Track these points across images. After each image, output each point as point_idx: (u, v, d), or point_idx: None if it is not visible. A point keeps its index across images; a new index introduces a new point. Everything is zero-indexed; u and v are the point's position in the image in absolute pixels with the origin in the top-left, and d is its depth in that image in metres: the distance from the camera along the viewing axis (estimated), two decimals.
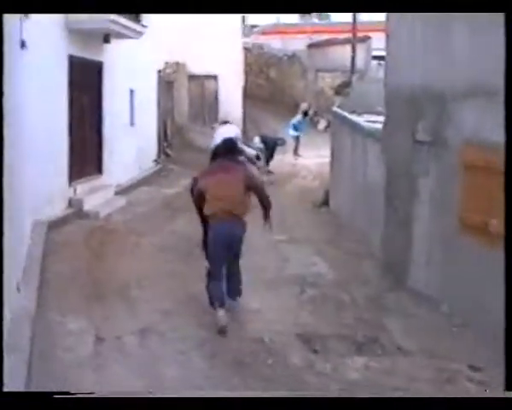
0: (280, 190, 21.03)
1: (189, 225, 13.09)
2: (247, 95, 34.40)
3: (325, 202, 17.66)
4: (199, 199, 9.42)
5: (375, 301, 10.46)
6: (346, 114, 16.80)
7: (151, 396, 4.59)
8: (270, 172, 24.10)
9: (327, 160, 18.67)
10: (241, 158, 10.03)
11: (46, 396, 4.19)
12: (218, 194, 9.13)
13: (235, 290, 9.72)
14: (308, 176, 23.69)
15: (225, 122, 21.33)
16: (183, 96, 31.41)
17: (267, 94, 40.58)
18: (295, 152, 29.14)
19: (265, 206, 9.65)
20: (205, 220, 9.48)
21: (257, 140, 24.52)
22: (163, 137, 26.76)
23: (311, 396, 4.76)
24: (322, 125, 34.58)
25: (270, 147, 24.47)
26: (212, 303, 9.33)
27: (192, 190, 9.63)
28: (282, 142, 25.80)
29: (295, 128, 29.38)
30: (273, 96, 40.28)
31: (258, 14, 28.58)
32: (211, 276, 9.44)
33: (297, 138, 29.25)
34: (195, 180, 9.61)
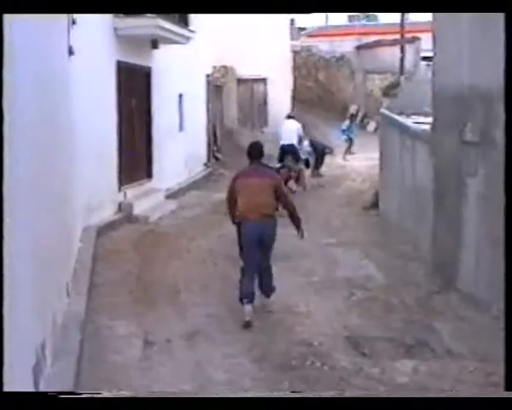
0: (329, 193, 21.04)
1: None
2: (296, 97, 34.42)
3: (374, 205, 17.54)
4: (230, 200, 10.11)
5: (424, 303, 10.36)
6: (394, 115, 16.69)
7: (154, 396, 4.59)
8: (319, 174, 24.06)
9: (376, 162, 18.55)
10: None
11: (46, 396, 4.21)
12: (251, 196, 9.77)
13: (267, 288, 10.17)
14: (357, 178, 23.57)
15: (290, 117, 21.84)
16: (232, 99, 31.48)
17: (316, 96, 40.58)
18: (346, 152, 29.20)
19: (291, 211, 10.19)
20: (235, 219, 10.14)
21: (306, 144, 24.48)
22: (212, 141, 26.84)
23: (315, 396, 4.73)
24: (371, 126, 34.46)
25: (319, 152, 24.41)
26: (241, 299, 9.70)
27: (233, 187, 10.14)
28: (330, 151, 25.79)
29: (345, 133, 29.50)
30: (322, 99, 40.26)
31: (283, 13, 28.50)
32: (244, 273, 9.91)
33: (350, 140, 29.38)
34: (236, 177, 10.15)
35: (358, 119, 35.06)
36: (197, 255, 13.20)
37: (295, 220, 10.20)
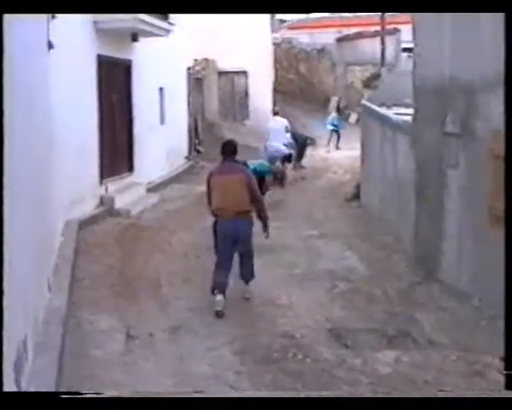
0: (311, 185, 21.09)
1: None
2: (278, 90, 34.38)
3: (356, 196, 17.59)
4: (208, 197, 10.34)
5: (406, 294, 10.40)
6: (374, 106, 16.72)
7: (154, 396, 4.66)
8: (302, 167, 24.07)
9: (358, 153, 18.59)
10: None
11: (47, 396, 4.28)
12: (224, 193, 9.96)
13: (247, 273, 10.40)
14: (339, 170, 23.63)
15: (276, 113, 22.29)
16: (213, 92, 31.45)
17: (297, 89, 40.55)
18: (329, 144, 29.40)
19: (259, 210, 10.41)
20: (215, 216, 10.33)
21: (288, 136, 24.49)
22: (194, 134, 26.80)
23: (314, 396, 4.79)
24: (353, 118, 34.48)
25: (301, 144, 24.40)
26: (212, 290, 9.86)
27: (208, 185, 10.33)
28: (312, 141, 25.80)
29: (333, 124, 29.68)
30: (303, 91, 40.25)
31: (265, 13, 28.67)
32: (217, 267, 10.06)
33: (337, 134, 29.60)
34: (210, 175, 10.39)
35: (341, 111, 35.08)
36: (179, 248, 13.19)
37: (263, 219, 10.42)
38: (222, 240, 10.05)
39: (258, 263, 10.38)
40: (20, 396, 4.54)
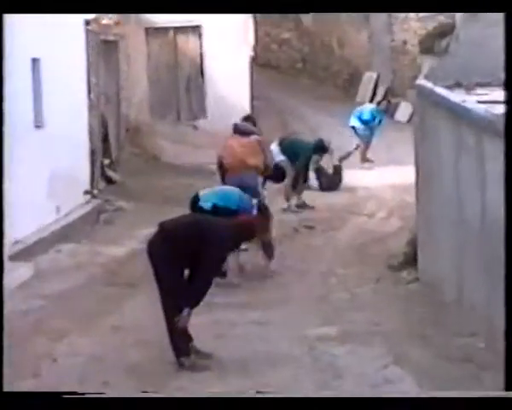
0: (325, 241, 21.06)
1: (151, 314, 13.00)
2: (260, 62, 34.30)
3: (410, 260, 17.58)
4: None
5: None
6: (441, 89, 16.69)
7: (155, 396, 7.45)
8: (305, 205, 23.98)
9: (412, 179, 18.54)
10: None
11: (47, 396, 6.72)
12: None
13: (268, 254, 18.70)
14: (378, 211, 23.66)
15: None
16: (139, 67, 31.35)
17: (299, 59, 40.68)
18: (363, 158, 29.60)
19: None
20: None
21: (275, 149, 24.16)
22: (101, 147, 26.72)
23: (314, 396, 5.87)
24: (404, 112, 34.53)
25: (303, 161, 24.24)
26: None
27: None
28: (324, 148, 25.45)
29: (363, 122, 29.65)
30: (310, 63, 40.35)
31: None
32: None
33: (360, 137, 29.74)
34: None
35: (379, 98, 35.21)
36: (70, 368, 13.05)
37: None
38: None
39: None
40: (20, 396, 7.08)
